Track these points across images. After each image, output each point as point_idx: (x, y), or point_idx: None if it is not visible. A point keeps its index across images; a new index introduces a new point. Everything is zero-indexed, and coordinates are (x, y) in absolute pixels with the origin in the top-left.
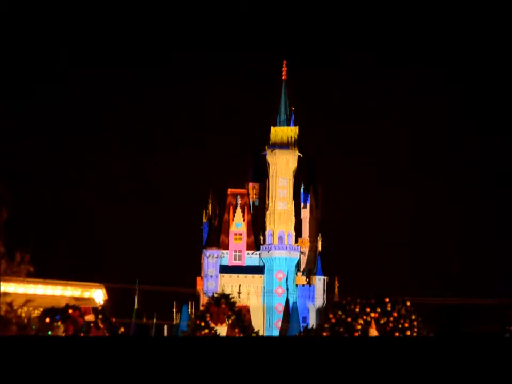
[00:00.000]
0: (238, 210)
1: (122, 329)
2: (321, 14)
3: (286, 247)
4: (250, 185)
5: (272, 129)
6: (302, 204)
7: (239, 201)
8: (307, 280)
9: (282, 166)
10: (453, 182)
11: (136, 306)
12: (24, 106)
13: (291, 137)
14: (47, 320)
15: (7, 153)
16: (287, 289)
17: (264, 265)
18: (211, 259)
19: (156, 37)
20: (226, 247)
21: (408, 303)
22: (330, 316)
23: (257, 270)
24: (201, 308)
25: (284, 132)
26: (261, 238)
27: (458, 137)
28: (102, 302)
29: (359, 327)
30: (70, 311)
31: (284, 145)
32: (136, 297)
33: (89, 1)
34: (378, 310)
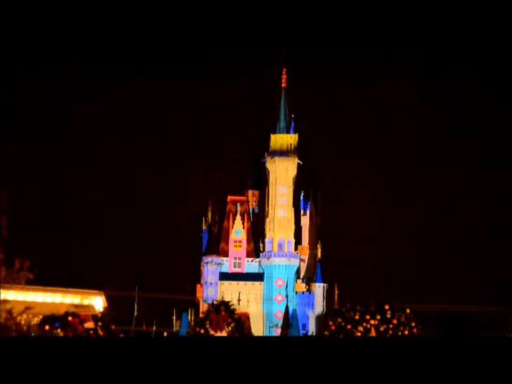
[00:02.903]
0: (238, 217)
1: (121, 336)
2: (321, 20)
3: (286, 254)
4: (250, 192)
5: (272, 136)
6: (302, 211)
7: (238, 209)
8: (307, 287)
9: (282, 173)
10: (453, 188)
11: (135, 314)
12: (23, 106)
13: (291, 144)
14: (47, 327)
15: (6, 159)
16: (287, 296)
17: (263, 272)
18: (211, 266)
19: (156, 39)
20: (226, 254)
21: (408, 311)
22: (330, 323)
23: (257, 277)
24: (201, 315)
25: (284, 139)
26: (261, 245)
27: (459, 140)
28: (101, 309)
29: (359, 334)
30: (70, 318)
31: (283, 153)
32: (135, 304)
33: (90, 1)
34: (378, 317)
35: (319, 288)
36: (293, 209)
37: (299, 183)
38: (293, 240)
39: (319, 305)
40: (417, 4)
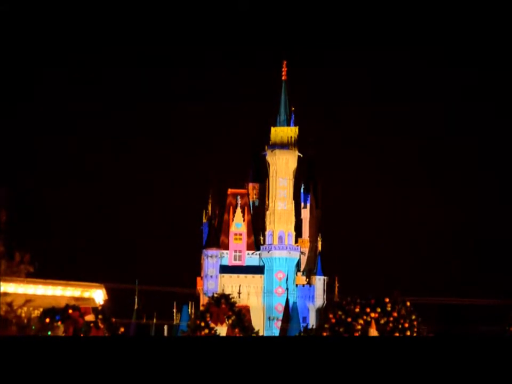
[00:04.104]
0: (238, 210)
1: (122, 329)
2: (321, 14)
3: (286, 247)
4: (250, 185)
5: (272, 129)
6: (302, 204)
7: (239, 201)
8: (307, 280)
9: (282, 166)
10: (453, 181)
11: (136, 307)
12: (23, 105)
13: (291, 137)
14: (47, 320)
15: (6, 154)
16: (287, 289)
17: (264, 265)
18: (211, 259)
19: (156, 37)
20: (226, 247)
21: (408, 303)
22: (330, 316)
23: (257, 270)
24: (201, 308)
25: (284, 132)
26: (261, 238)
27: (458, 137)
28: (102, 302)
29: (359, 327)
30: (70, 311)
31: (284, 145)
32: (136, 297)
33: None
34: (378, 310)
35: (319, 281)
36: (293, 202)
37: (299, 176)
38: (293, 233)
39: (319, 298)
40: (417, 2)
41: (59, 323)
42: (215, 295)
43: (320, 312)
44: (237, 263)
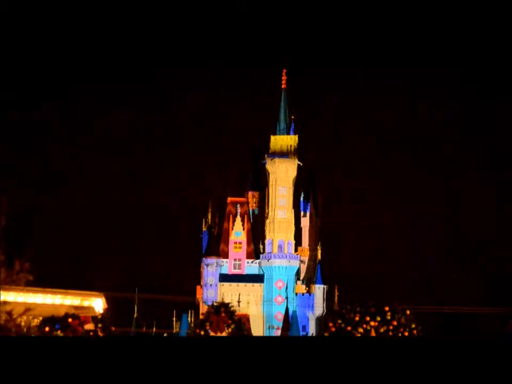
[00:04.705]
0: (238, 219)
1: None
2: (321, 22)
3: (286, 256)
4: (250, 193)
5: (272, 137)
6: (302, 213)
7: (238, 210)
8: (307, 288)
9: (282, 175)
10: (452, 189)
11: (135, 315)
12: (23, 105)
13: (291, 145)
14: (47, 329)
15: (6, 160)
16: (287, 298)
17: (263, 274)
18: (211, 268)
19: (156, 41)
20: (226, 255)
21: (408, 312)
22: (330, 324)
23: (257, 278)
24: (201, 317)
25: (284, 140)
26: (261, 246)
27: (456, 141)
28: (101, 311)
29: (359, 335)
30: (70, 319)
31: (283, 154)
32: (135, 306)
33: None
34: (378, 318)
35: (319, 290)
36: (293, 210)
37: (299, 185)
38: (293, 242)
39: (319, 307)
40: (416, 8)
41: (59, 332)
42: (215, 304)
43: (320, 321)
44: (237, 271)
